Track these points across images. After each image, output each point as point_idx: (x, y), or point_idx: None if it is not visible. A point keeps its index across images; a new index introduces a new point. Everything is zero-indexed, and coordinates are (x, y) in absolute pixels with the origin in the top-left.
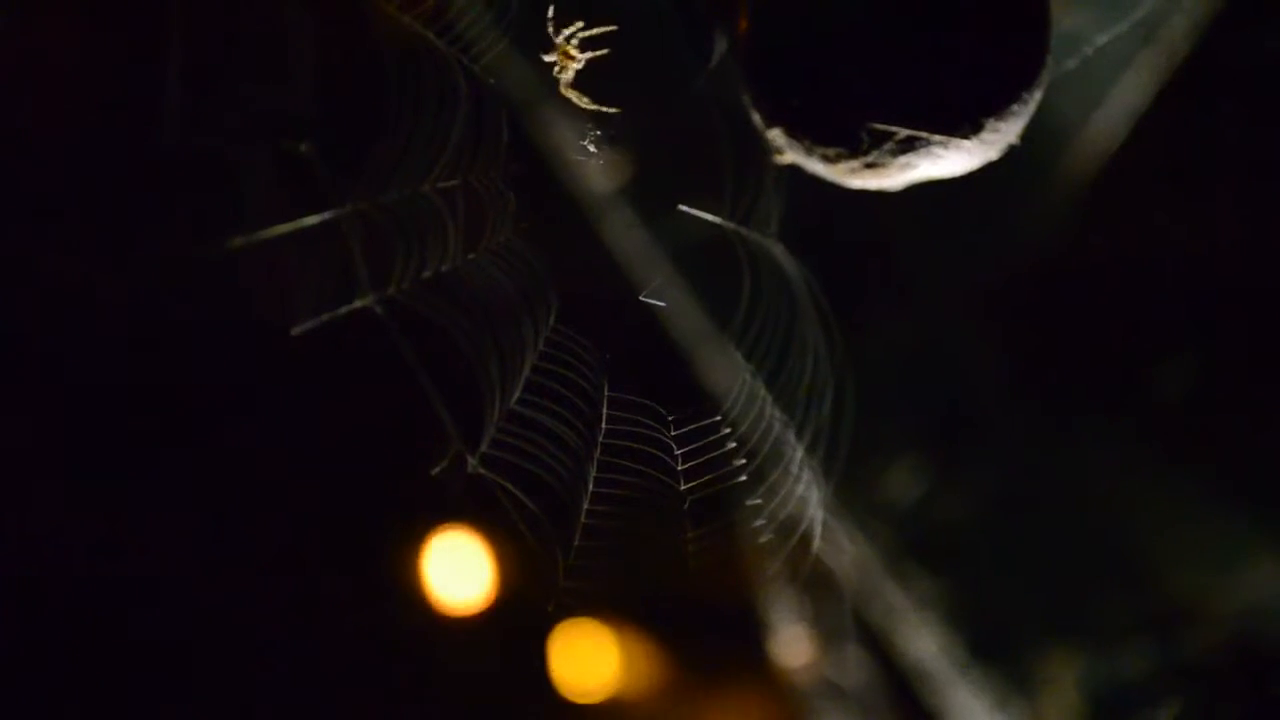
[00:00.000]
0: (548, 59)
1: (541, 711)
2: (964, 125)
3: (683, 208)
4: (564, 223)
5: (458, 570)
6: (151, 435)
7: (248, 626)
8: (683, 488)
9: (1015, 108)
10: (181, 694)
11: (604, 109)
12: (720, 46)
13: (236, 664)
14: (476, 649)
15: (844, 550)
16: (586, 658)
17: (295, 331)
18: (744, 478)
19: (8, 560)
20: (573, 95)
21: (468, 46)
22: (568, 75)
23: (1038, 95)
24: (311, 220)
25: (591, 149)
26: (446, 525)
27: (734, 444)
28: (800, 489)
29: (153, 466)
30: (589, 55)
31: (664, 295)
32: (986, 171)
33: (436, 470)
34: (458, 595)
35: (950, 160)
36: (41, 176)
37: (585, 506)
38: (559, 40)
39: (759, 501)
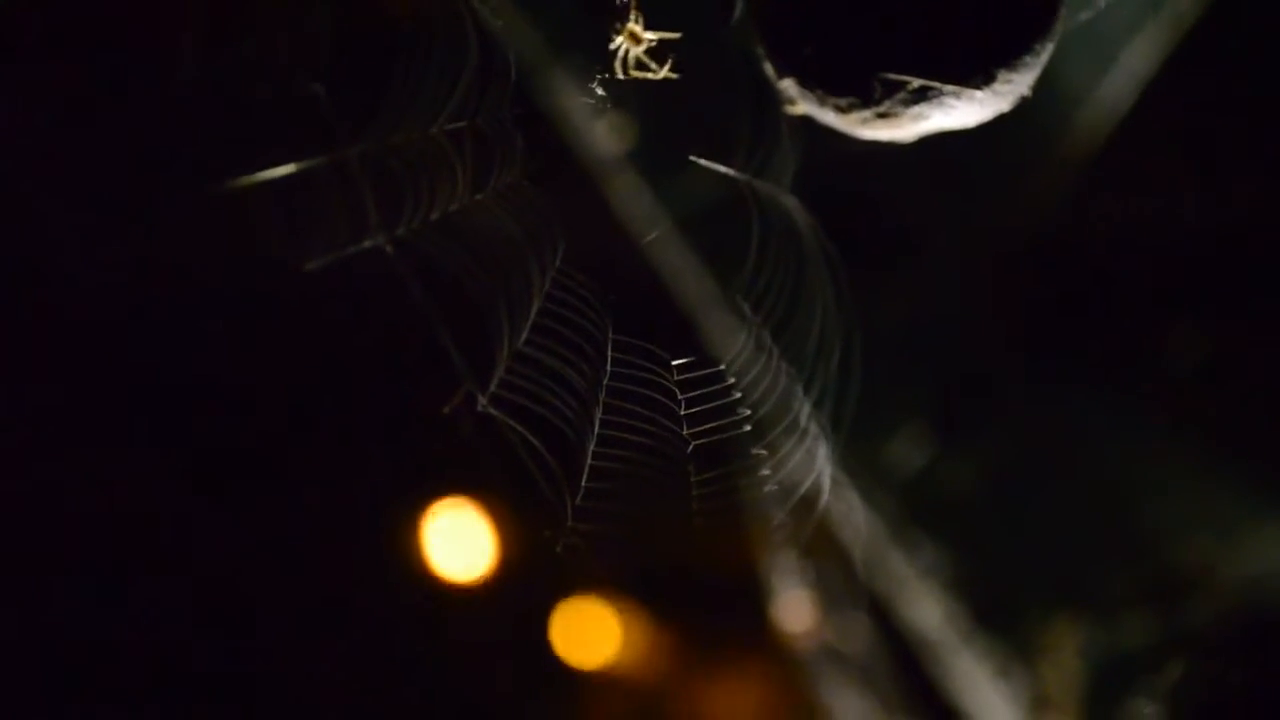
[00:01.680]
0: (612, 45)
1: (543, 681)
2: (977, 75)
3: (694, 159)
4: (571, 165)
5: (458, 540)
6: (152, 379)
7: (247, 596)
8: (686, 433)
9: (1027, 58)
10: (176, 666)
11: (670, 74)
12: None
13: (234, 636)
14: (476, 619)
15: (850, 511)
16: (587, 627)
17: (308, 268)
18: (748, 427)
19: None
20: (640, 73)
21: None
22: (634, 54)
23: (1050, 47)
24: (316, 162)
25: (600, 91)
26: (449, 492)
27: (739, 393)
28: (807, 442)
29: (150, 417)
30: (655, 35)
31: (670, 242)
32: (995, 135)
33: (447, 408)
34: (458, 565)
35: (962, 111)
36: (54, 119)
37: (591, 449)
38: (626, 24)
39: (764, 451)
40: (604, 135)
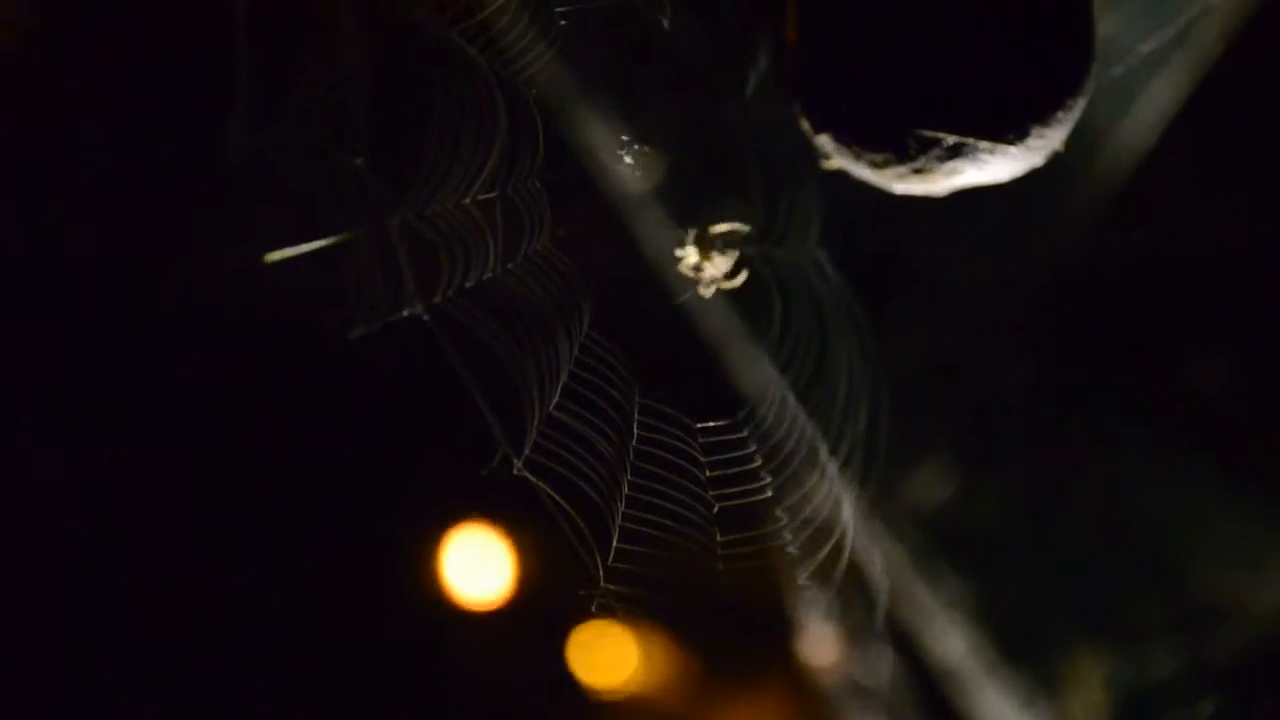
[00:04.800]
0: (689, 261)
1: (561, 710)
2: (1010, 132)
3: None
4: (599, 231)
5: (478, 567)
6: (195, 433)
7: (267, 619)
8: (710, 495)
9: (1060, 114)
10: (193, 686)
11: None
12: (763, 58)
13: (251, 656)
14: (495, 646)
15: (876, 553)
16: (606, 656)
17: (351, 335)
18: (770, 493)
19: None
20: (713, 288)
21: (509, 61)
22: (708, 275)
23: (1082, 102)
24: (356, 233)
25: (628, 160)
26: (468, 521)
27: (762, 457)
28: (833, 500)
29: (189, 463)
30: (731, 260)
31: (697, 302)
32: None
33: (485, 472)
34: (477, 591)
35: (996, 166)
36: (104, 186)
37: (621, 510)
38: (703, 245)
39: (784, 517)
40: (630, 189)
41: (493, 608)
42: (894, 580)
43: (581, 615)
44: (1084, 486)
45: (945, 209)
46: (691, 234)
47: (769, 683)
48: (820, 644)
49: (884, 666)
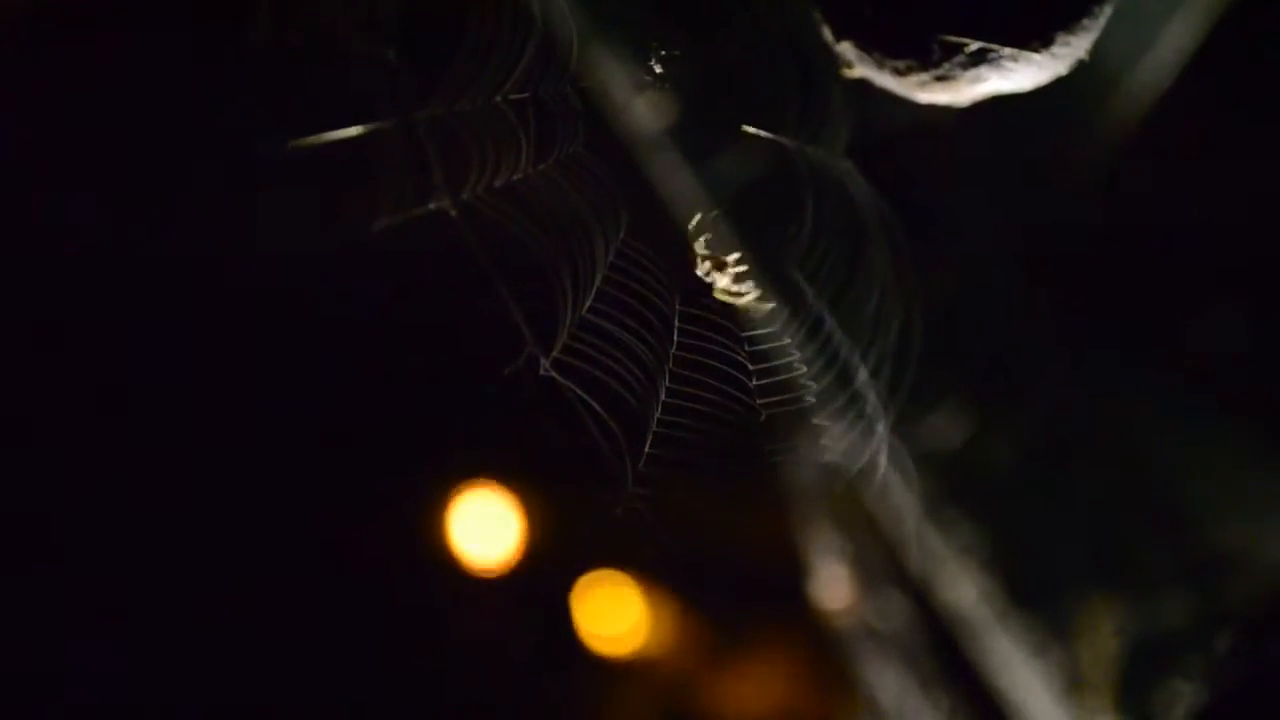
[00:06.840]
0: (700, 271)
1: (570, 666)
2: (1035, 39)
3: (746, 129)
4: (630, 139)
5: (485, 527)
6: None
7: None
8: (758, 403)
9: (1085, 22)
10: (197, 644)
11: (762, 305)
12: None
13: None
14: (502, 605)
15: (893, 490)
16: (613, 612)
17: (375, 228)
18: (811, 399)
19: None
20: (729, 297)
21: None
22: (723, 282)
23: (1108, 10)
24: (383, 125)
25: (657, 69)
26: (480, 479)
27: (802, 366)
28: (865, 414)
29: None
30: (738, 267)
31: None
32: (1036, 110)
33: (510, 370)
34: (484, 552)
35: (1020, 74)
36: (125, 82)
37: (656, 416)
38: (713, 257)
39: (825, 424)
40: (656, 111)
41: (498, 570)
42: (907, 525)
43: (587, 571)
44: (1097, 435)
45: (963, 147)
46: (703, 239)
47: (782, 627)
48: (834, 588)
49: (896, 612)
